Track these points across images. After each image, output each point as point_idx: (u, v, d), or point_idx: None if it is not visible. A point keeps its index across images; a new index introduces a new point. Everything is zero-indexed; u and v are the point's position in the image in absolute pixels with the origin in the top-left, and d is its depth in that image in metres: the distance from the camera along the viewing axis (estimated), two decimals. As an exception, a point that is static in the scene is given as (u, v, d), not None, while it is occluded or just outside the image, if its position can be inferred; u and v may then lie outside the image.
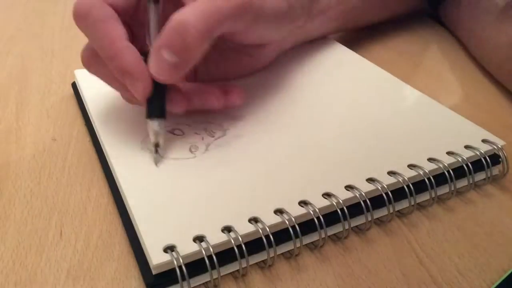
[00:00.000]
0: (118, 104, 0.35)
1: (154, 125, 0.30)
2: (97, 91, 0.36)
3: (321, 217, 0.26)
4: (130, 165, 0.29)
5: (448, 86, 0.43)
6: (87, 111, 0.35)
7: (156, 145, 0.30)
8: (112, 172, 0.29)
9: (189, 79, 0.36)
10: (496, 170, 0.31)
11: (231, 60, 0.37)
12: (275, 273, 0.25)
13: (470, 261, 0.26)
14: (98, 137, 0.32)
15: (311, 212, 0.26)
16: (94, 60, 0.30)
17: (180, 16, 0.27)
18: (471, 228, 0.28)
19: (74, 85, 0.40)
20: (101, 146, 0.32)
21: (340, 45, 0.45)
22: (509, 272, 0.25)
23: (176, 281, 0.23)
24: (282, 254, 0.26)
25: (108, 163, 0.30)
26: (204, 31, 0.27)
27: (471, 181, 0.30)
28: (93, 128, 0.34)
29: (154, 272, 0.23)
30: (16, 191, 0.30)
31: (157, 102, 0.30)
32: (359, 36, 0.51)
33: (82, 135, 0.35)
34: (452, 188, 0.29)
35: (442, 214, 0.29)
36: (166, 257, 0.23)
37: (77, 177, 0.31)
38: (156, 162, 0.29)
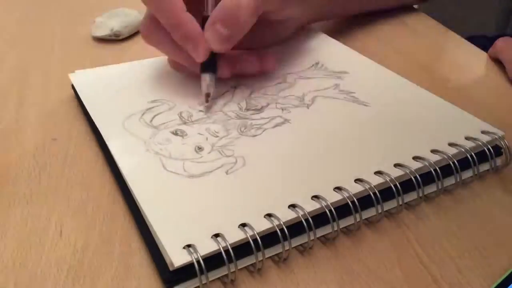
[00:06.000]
0: (117, 105, 0.35)
1: (206, 77, 0.35)
2: (94, 94, 0.37)
3: (333, 210, 0.26)
4: (137, 167, 0.29)
5: (441, 81, 0.43)
6: (89, 113, 0.35)
7: (207, 95, 0.35)
8: (122, 174, 0.29)
9: None
10: (498, 161, 0.31)
11: (260, 33, 0.40)
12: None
13: (470, 260, 0.26)
14: (104, 139, 0.32)
15: (324, 207, 0.26)
16: (154, 31, 0.35)
17: None
18: (472, 228, 0.28)
19: (74, 87, 0.40)
20: (108, 148, 0.32)
21: (335, 40, 0.45)
22: (509, 272, 0.25)
23: (193, 276, 0.24)
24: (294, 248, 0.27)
25: (117, 166, 0.30)
26: (254, 9, 0.33)
27: (475, 172, 0.30)
28: (97, 129, 0.34)
29: (171, 268, 0.24)
30: (16, 191, 0.30)
31: (209, 59, 0.35)
32: (353, 30, 0.51)
33: (82, 135, 0.35)
34: (458, 179, 0.29)
35: (443, 213, 0.29)
36: (186, 257, 0.23)
37: (77, 177, 0.31)
38: (207, 110, 0.35)
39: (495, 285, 0.24)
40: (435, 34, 0.52)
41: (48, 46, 0.49)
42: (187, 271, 0.24)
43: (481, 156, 0.30)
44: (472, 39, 0.50)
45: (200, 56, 0.34)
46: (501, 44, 0.44)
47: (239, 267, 0.25)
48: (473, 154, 0.30)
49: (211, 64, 0.36)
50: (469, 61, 0.47)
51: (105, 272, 0.25)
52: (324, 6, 0.48)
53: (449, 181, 0.30)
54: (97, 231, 0.27)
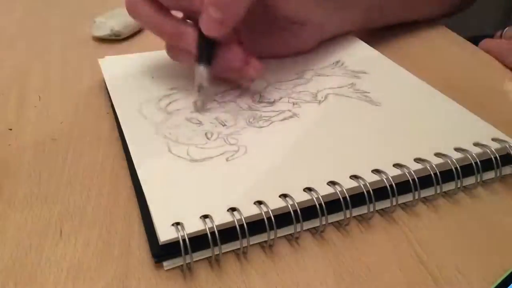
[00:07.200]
0: (138, 89, 0.37)
1: (199, 69, 0.34)
2: (118, 78, 0.39)
3: (323, 204, 0.26)
4: (144, 147, 0.31)
5: (452, 86, 0.43)
6: (111, 98, 0.37)
7: (199, 87, 0.34)
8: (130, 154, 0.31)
9: None
10: (506, 170, 0.31)
11: (275, 37, 0.39)
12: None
13: (471, 260, 0.26)
14: (119, 119, 0.34)
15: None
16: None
17: None
18: (472, 228, 0.28)
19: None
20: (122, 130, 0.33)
21: (360, 41, 0.45)
22: (509, 272, 0.25)
23: (181, 254, 0.24)
24: (285, 236, 0.27)
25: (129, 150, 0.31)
26: None
27: (478, 180, 0.29)
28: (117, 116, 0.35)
29: (160, 243, 0.24)
30: (16, 191, 0.30)
31: (206, 50, 0.34)
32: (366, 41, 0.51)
33: (82, 134, 0.35)
34: (459, 186, 0.29)
35: (443, 213, 0.29)
36: (173, 233, 0.24)
37: (77, 177, 0.31)
38: (201, 106, 0.34)
39: (495, 285, 0.24)
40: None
41: (48, 46, 0.49)
42: (177, 249, 0.24)
43: (489, 163, 0.30)
44: (474, 39, 0.49)
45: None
46: (485, 45, 0.45)
47: (227, 250, 0.26)
48: (478, 161, 0.29)
49: (206, 54, 0.34)
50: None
51: (105, 272, 0.25)
52: (368, 12, 0.45)
53: (451, 185, 0.29)
54: (97, 231, 0.27)
